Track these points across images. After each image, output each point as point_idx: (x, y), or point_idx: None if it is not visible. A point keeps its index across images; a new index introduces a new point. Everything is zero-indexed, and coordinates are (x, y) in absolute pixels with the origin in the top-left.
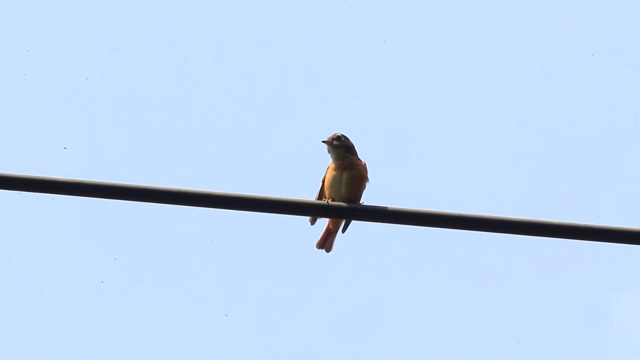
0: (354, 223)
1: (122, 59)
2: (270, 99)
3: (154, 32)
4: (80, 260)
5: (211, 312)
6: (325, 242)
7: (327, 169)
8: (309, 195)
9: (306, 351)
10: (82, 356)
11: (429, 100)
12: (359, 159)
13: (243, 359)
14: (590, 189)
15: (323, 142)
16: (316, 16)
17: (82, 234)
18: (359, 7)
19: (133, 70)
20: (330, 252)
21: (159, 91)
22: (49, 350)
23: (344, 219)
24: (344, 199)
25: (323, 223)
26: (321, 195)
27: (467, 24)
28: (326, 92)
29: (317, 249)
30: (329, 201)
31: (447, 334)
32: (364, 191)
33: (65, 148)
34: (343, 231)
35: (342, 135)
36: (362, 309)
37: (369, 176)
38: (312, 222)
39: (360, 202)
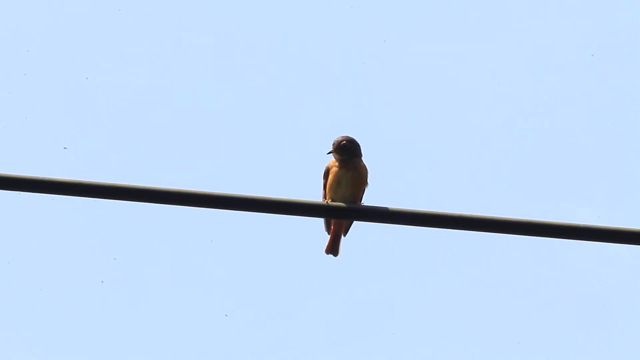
0: (354, 223)
1: (122, 59)
2: (270, 99)
3: (154, 32)
4: (80, 260)
5: (211, 312)
6: (333, 247)
7: (328, 168)
8: (309, 195)
9: (306, 351)
10: (82, 356)
11: (429, 100)
12: (362, 162)
13: (243, 359)
14: (590, 189)
15: (328, 153)
16: (316, 16)
17: (82, 234)
18: (359, 7)
19: (133, 70)
20: (338, 256)
21: (159, 91)
22: (49, 350)
23: (345, 219)
24: (344, 199)
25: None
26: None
27: (467, 24)
28: (326, 92)
29: (326, 254)
30: (329, 201)
31: (447, 334)
32: (364, 193)
33: (65, 148)
34: (344, 234)
35: (347, 141)
36: (362, 309)
37: (368, 180)
38: (328, 229)
39: (361, 202)
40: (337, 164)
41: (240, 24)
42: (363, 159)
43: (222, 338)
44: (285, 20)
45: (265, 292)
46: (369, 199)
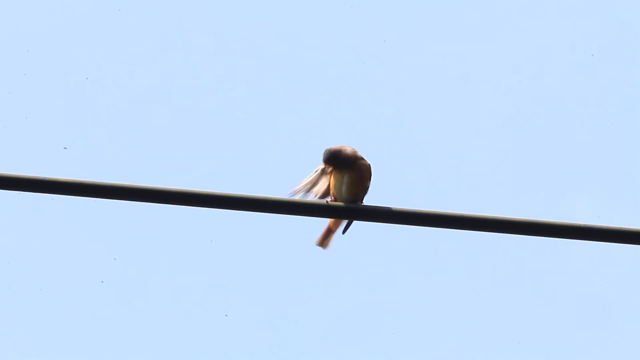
0: (355, 223)
1: (122, 59)
2: (270, 98)
3: (154, 32)
4: (80, 260)
5: (211, 312)
6: (324, 241)
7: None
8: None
9: (306, 351)
10: (82, 356)
11: (429, 100)
12: (363, 160)
13: (243, 359)
14: (591, 189)
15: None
16: (316, 16)
17: (82, 234)
18: (359, 7)
19: (133, 70)
20: (326, 249)
21: (159, 91)
22: (49, 350)
23: (345, 219)
24: (344, 199)
25: (324, 223)
26: (317, 188)
27: (467, 24)
28: (326, 92)
29: (315, 245)
30: (329, 201)
31: (447, 334)
32: (367, 192)
33: (65, 148)
34: (343, 232)
35: (333, 152)
36: (363, 309)
37: (371, 178)
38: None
39: (362, 202)
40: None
41: (240, 24)
42: (366, 157)
43: (222, 338)
44: (285, 20)
45: (265, 292)
46: (370, 198)
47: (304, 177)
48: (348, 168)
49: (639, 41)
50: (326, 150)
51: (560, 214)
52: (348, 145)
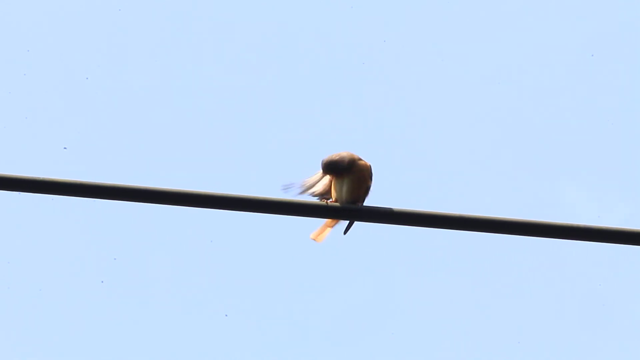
0: (356, 224)
1: (122, 59)
2: (270, 98)
3: (154, 32)
4: (80, 260)
5: (211, 312)
6: (319, 235)
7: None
8: (308, 195)
9: (306, 351)
10: (82, 356)
11: (429, 100)
12: (362, 161)
13: (243, 359)
14: (591, 189)
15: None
16: (316, 16)
17: (82, 234)
18: (359, 7)
19: (133, 70)
20: (320, 243)
21: (159, 91)
22: (49, 350)
23: (345, 220)
24: (345, 201)
25: (338, 228)
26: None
27: (467, 24)
28: (326, 92)
29: (310, 238)
30: (328, 202)
31: (447, 334)
32: (368, 192)
33: (65, 148)
34: (345, 233)
35: (331, 162)
36: (363, 309)
37: (372, 178)
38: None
39: (363, 203)
40: None
41: (239, 24)
42: (365, 158)
43: (222, 338)
44: (285, 20)
45: (265, 292)
46: (370, 198)
47: (309, 177)
48: (347, 172)
49: (639, 41)
50: (323, 160)
51: (561, 213)
52: (344, 150)
